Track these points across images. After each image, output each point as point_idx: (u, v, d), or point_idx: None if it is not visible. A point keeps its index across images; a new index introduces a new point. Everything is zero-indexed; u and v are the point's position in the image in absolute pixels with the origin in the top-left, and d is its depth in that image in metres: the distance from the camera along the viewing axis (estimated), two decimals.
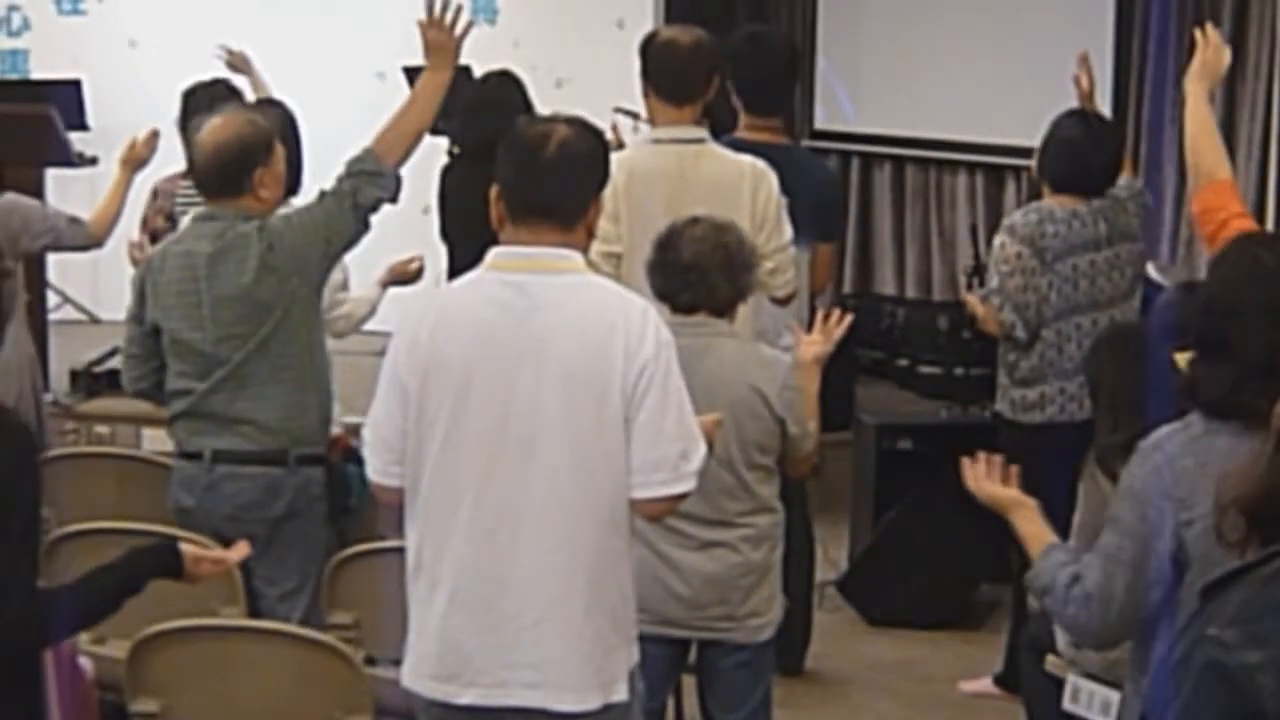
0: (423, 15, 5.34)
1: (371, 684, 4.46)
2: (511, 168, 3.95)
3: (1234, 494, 2.61)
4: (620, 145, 6.56)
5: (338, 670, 4.40)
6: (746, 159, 5.72)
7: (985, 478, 4.05)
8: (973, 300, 6.58)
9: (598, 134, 4.04)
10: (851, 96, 11.31)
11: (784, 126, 6.72)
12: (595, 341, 3.82)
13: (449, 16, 5.32)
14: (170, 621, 4.48)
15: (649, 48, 5.83)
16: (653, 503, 3.91)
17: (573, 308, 3.86)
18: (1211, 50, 5.11)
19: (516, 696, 3.88)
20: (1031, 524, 3.96)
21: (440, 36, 5.33)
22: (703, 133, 5.76)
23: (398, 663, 4.09)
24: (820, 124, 11.39)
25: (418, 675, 3.96)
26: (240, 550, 4.42)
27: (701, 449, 3.92)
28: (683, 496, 3.94)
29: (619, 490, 3.85)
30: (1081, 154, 6.36)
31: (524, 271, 3.89)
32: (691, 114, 5.77)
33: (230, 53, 8.19)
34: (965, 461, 4.10)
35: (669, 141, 5.70)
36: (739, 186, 5.60)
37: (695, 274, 4.76)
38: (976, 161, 10.77)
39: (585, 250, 4.00)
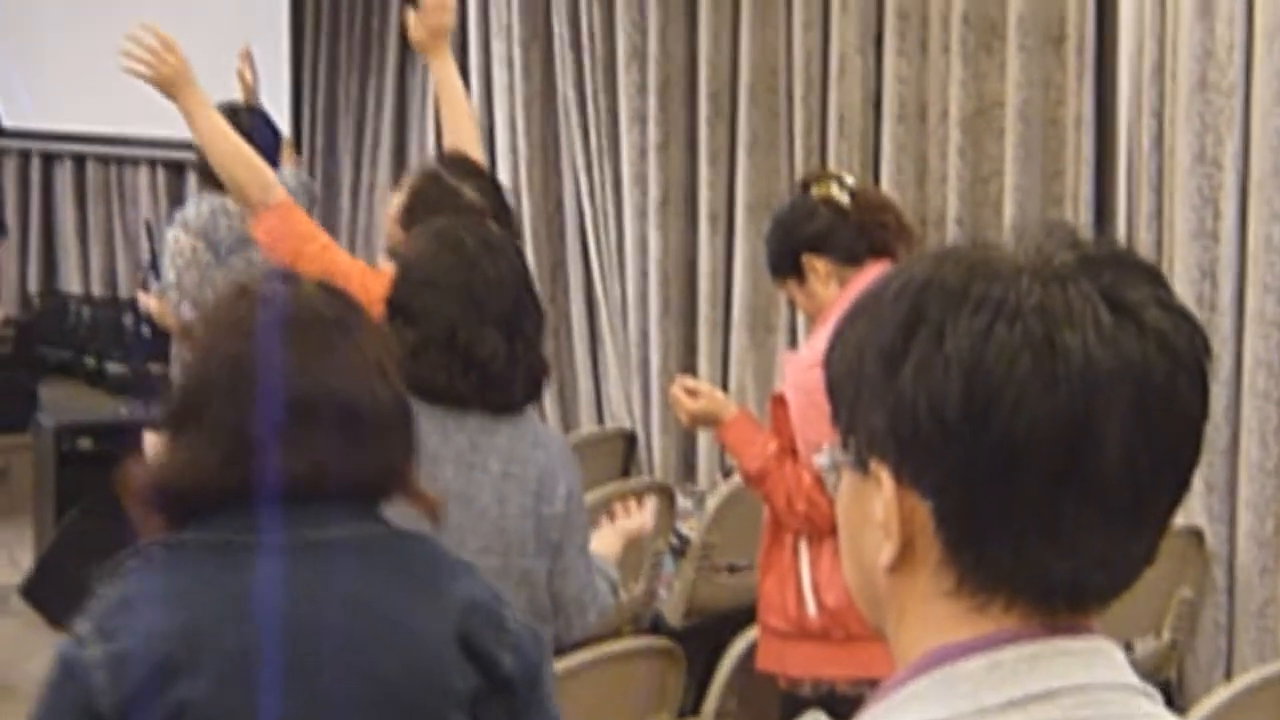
0: None
1: None
2: None
3: (140, 483, 2.49)
4: None
5: None
6: None
7: None
8: (146, 298, 6.57)
9: None
10: (31, 93, 11.09)
11: None
12: None
13: None
14: None
15: None
16: None
17: None
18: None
19: None
20: None
21: None
22: None
23: None
24: (1, 122, 11.13)
25: None
26: None
27: None
28: None
29: None
30: None
31: None
32: None
33: None
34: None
35: None
36: None
37: None
38: (157, 157, 10.74)
39: None
